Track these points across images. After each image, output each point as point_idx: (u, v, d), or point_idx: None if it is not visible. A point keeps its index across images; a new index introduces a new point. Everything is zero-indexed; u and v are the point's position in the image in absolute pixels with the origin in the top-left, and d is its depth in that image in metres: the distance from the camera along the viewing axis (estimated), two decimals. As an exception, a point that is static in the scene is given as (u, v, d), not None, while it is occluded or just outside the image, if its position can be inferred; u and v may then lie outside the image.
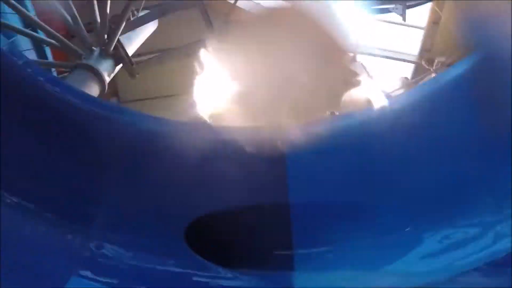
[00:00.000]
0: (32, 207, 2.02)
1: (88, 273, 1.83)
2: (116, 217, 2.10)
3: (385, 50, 8.03)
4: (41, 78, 2.31)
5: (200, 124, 2.52)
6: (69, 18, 5.55)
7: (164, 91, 7.97)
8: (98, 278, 1.84)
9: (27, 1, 6.70)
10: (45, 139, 2.16)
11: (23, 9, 5.77)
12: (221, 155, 2.22)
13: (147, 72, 6.71)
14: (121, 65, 5.79)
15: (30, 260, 1.87)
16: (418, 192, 2.14)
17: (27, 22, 6.17)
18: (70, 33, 6.18)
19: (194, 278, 1.95)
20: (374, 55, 7.83)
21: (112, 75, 5.65)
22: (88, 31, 5.76)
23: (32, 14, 6.51)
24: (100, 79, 5.08)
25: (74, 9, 5.51)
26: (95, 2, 5.55)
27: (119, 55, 5.63)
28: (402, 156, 2.17)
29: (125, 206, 2.15)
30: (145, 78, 6.88)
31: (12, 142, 2.12)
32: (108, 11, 5.51)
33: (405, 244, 2.09)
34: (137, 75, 6.10)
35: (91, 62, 5.15)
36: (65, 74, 5.99)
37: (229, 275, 1.96)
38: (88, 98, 2.53)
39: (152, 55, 6.89)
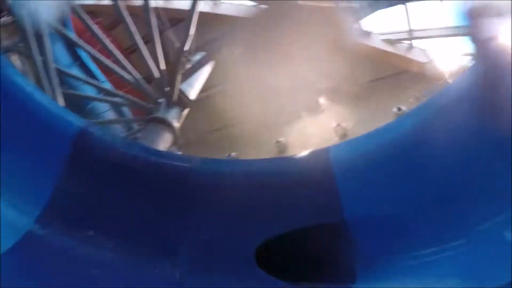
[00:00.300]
0: (131, 247, 2.54)
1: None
2: (198, 250, 2.54)
3: (441, 28, 7.84)
4: (131, 150, 2.86)
5: (258, 161, 2.90)
6: (129, 77, 6.30)
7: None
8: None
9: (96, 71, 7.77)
10: (144, 196, 2.72)
11: (97, 83, 6.70)
12: (276, 185, 2.55)
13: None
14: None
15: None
16: (466, 202, 2.27)
17: (101, 89, 7.15)
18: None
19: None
20: (430, 37, 7.71)
21: (181, 119, 6.29)
22: (148, 82, 6.51)
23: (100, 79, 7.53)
24: (171, 128, 5.75)
25: (132, 69, 6.26)
26: (149, 59, 6.22)
27: (183, 100, 6.26)
28: (446, 166, 2.30)
29: (203, 239, 2.59)
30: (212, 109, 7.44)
31: (119, 201, 2.68)
32: (162, 65, 6.18)
33: (461, 255, 2.20)
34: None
35: (159, 114, 5.86)
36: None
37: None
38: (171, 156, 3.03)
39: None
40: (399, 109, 6.79)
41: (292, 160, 2.77)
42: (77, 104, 7.51)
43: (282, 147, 9.16)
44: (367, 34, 7.76)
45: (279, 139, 9.13)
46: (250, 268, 2.32)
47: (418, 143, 2.36)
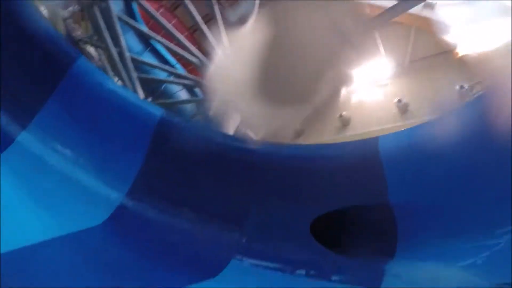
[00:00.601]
0: (207, 217, 3.05)
1: (243, 257, 2.82)
2: (262, 221, 3.01)
3: None
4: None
5: (314, 146, 3.26)
6: (195, 59, 6.76)
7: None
8: (250, 261, 2.81)
9: (167, 55, 8.35)
10: (217, 174, 3.19)
11: (167, 67, 7.24)
12: (330, 168, 2.90)
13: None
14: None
15: (202, 252, 2.88)
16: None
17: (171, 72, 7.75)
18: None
19: (318, 261, 2.74)
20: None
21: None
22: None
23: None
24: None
25: (198, 51, 6.67)
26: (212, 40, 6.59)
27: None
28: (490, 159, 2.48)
29: (267, 212, 3.05)
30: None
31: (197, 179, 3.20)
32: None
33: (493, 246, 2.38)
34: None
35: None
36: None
37: (342, 259, 2.69)
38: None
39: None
40: (462, 86, 6.66)
41: (344, 146, 3.11)
42: (152, 86, 8.17)
43: (345, 121, 9.32)
44: (431, 6, 7.61)
45: (342, 113, 9.28)
46: (306, 239, 2.77)
47: (453, 143, 2.57)
